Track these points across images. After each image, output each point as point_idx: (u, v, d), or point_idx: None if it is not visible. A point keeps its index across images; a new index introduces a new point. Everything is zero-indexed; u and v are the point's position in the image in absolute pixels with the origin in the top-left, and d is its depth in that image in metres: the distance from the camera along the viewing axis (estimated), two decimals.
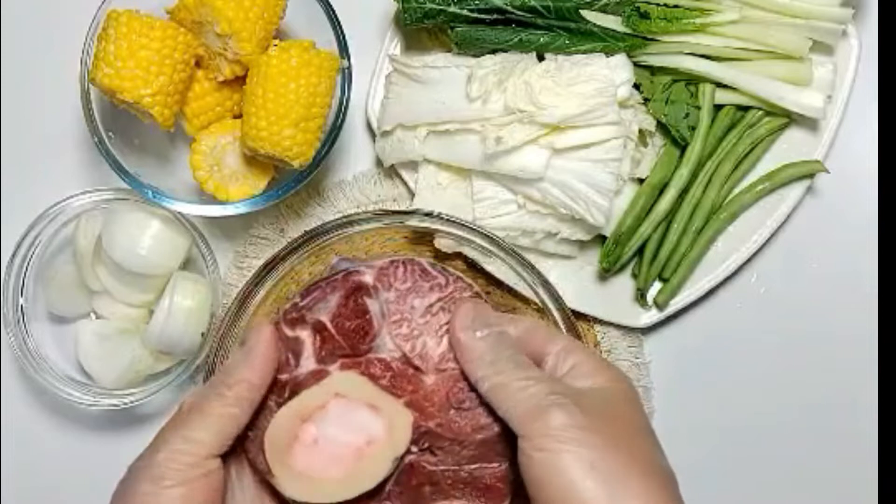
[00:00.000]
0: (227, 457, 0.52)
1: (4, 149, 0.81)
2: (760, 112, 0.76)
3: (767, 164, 0.77)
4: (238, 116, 0.75)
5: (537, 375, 0.50)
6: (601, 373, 0.51)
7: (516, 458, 0.50)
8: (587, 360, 0.52)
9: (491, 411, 0.54)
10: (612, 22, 0.73)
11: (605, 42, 0.73)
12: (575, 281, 0.77)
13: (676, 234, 0.75)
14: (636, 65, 0.74)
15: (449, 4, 0.72)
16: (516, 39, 0.73)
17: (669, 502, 0.47)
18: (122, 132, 0.73)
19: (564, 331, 0.67)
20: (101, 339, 0.76)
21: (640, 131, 0.74)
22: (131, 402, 0.74)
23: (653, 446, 0.50)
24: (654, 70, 0.75)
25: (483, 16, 0.73)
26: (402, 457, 0.56)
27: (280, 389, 0.57)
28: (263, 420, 0.56)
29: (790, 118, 0.76)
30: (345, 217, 0.70)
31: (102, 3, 0.71)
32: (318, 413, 0.55)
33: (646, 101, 0.75)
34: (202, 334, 0.73)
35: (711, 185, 0.76)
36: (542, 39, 0.73)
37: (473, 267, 0.76)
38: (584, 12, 0.72)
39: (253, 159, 0.73)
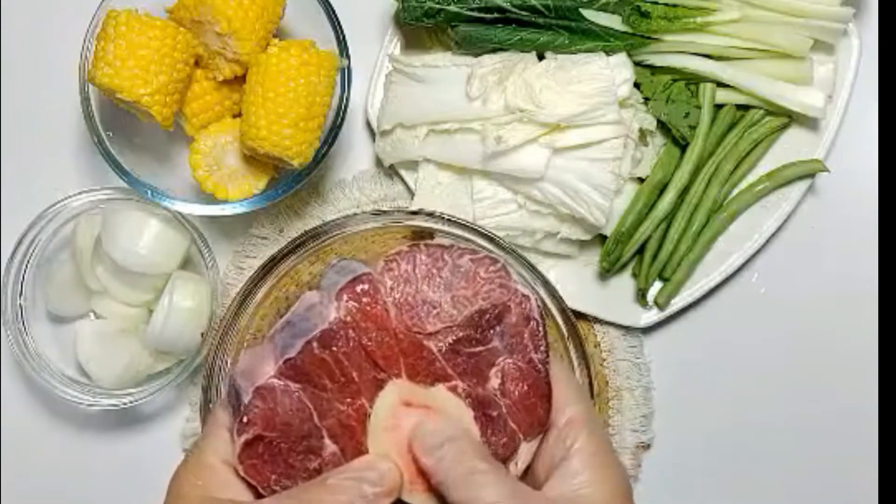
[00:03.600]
0: None
1: (4, 148, 0.81)
2: (761, 111, 0.76)
3: (768, 163, 0.77)
4: (238, 116, 0.75)
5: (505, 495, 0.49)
6: (594, 469, 0.51)
7: None
8: (586, 446, 0.52)
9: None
10: (613, 21, 0.73)
11: (606, 41, 0.72)
12: (575, 281, 0.77)
13: (677, 234, 0.75)
14: (636, 64, 0.74)
15: (449, 3, 0.72)
16: (516, 38, 0.73)
17: None
18: (122, 131, 0.73)
19: (565, 331, 0.67)
20: (101, 338, 0.76)
21: (641, 130, 0.74)
22: (131, 402, 0.74)
23: None
24: (654, 69, 0.75)
25: (483, 15, 0.72)
26: None
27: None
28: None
29: (791, 117, 0.76)
30: (345, 217, 0.69)
31: (102, 2, 0.71)
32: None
33: (646, 100, 0.75)
34: (202, 334, 0.73)
35: (712, 184, 0.76)
36: (542, 38, 0.73)
37: None
38: (584, 11, 0.72)
39: (252, 159, 0.73)
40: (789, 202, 0.76)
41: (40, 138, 0.81)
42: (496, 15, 0.73)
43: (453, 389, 0.55)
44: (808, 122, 0.77)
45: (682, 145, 0.75)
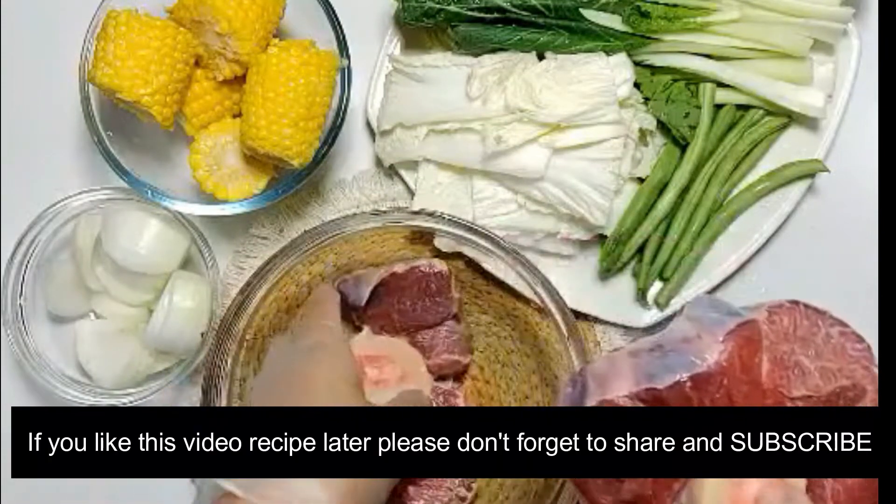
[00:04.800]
0: None
1: (4, 148, 0.81)
2: (761, 111, 0.76)
3: (768, 163, 0.77)
4: (238, 116, 0.75)
5: None
6: None
7: None
8: None
9: None
10: (613, 21, 0.73)
11: (606, 41, 0.72)
12: (575, 281, 0.77)
13: (677, 234, 0.75)
14: (636, 64, 0.74)
15: (449, 3, 0.72)
16: (516, 38, 0.73)
17: None
18: (122, 131, 0.73)
19: (565, 331, 0.67)
20: (101, 338, 0.76)
21: (641, 130, 0.74)
22: (131, 402, 0.74)
23: None
24: (654, 69, 0.75)
25: (483, 15, 0.72)
26: None
27: None
28: None
29: (791, 117, 0.76)
30: (345, 217, 0.70)
31: (102, 2, 0.71)
32: None
33: (646, 100, 0.75)
34: (202, 334, 0.73)
35: (712, 184, 0.76)
36: (542, 38, 0.73)
37: (473, 267, 0.76)
38: (584, 11, 0.72)
39: (252, 159, 0.73)
40: (789, 202, 0.76)
41: (40, 138, 0.81)
42: (496, 15, 0.73)
43: None
44: (808, 122, 0.77)
45: (682, 145, 0.75)
